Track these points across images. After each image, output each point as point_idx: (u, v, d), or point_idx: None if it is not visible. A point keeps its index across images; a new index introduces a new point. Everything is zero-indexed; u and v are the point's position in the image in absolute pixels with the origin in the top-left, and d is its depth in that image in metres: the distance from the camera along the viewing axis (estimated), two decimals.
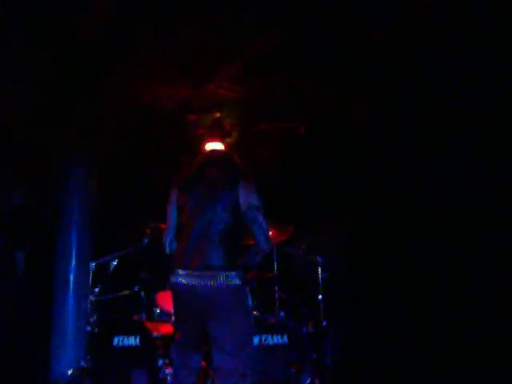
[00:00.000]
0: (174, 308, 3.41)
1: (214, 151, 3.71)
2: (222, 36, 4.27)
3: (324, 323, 4.84)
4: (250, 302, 3.25)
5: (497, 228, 4.91)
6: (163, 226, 3.85)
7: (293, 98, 5.27)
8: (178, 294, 3.28)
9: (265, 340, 4.41)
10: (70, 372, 4.82)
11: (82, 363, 4.82)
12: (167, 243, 3.47)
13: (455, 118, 5.02)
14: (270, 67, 4.75)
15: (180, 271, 3.22)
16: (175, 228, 3.46)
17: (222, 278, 3.12)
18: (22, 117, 5.09)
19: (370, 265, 5.79)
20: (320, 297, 4.90)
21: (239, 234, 3.29)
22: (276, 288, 5.11)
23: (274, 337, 4.45)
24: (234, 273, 3.15)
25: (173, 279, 3.26)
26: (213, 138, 5.02)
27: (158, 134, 5.90)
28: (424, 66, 4.58)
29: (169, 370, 4.44)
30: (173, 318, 4.52)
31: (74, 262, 5.58)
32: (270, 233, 5.19)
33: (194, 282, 3.14)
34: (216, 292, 3.13)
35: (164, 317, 5.01)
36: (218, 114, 5.36)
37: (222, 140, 4.96)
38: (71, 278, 5.57)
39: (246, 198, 3.21)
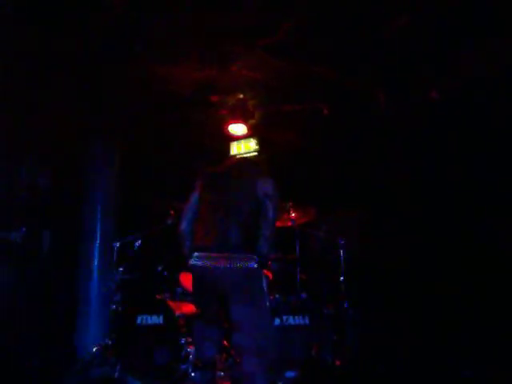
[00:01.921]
0: (193, 288, 3.48)
1: (240, 158, 3.91)
2: (245, 19, 4.25)
3: (345, 305, 4.86)
4: (265, 285, 3.32)
5: None
6: None
7: (315, 82, 5.24)
8: (197, 275, 3.38)
9: (286, 320, 4.44)
10: (94, 349, 4.91)
11: (106, 340, 4.93)
12: (183, 225, 3.59)
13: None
14: (290, 53, 4.72)
15: (198, 254, 3.32)
16: (193, 213, 3.59)
17: (238, 261, 3.21)
18: (47, 100, 5.14)
19: (392, 247, 5.77)
20: (341, 278, 4.92)
21: (257, 221, 3.37)
22: (298, 269, 5.14)
23: (296, 317, 4.48)
24: (250, 256, 3.23)
25: (191, 262, 3.37)
26: (235, 120, 5.03)
27: (180, 116, 5.91)
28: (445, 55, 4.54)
29: (191, 349, 4.50)
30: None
31: (98, 242, 5.67)
32: (292, 213, 5.20)
33: (212, 264, 3.25)
34: (232, 274, 3.22)
35: (187, 296, 5.07)
36: (241, 96, 5.34)
37: (244, 121, 4.96)
38: (96, 257, 5.66)
39: (263, 188, 3.38)
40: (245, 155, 3.91)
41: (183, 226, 3.59)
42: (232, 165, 3.71)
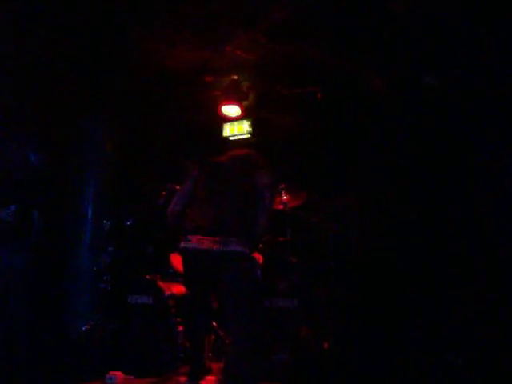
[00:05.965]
0: (183, 270, 3.49)
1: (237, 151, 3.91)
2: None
3: (335, 289, 4.89)
4: (257, 269, 3.34)
5: None
6: (178, 187, 3.92)
7: (310, 64, 5.21)
8: (188, 258, 3.39)
9: (275, 303, 4.45)
10: (83, 328, 4.92)
11: (96, 320, 4.93)
12: (173, 209, 3.62)
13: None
14: (287, 35, 4.69)
15: (191, 237, 3.31)
16: (186, 199, 3.62)
17: (230, 245, 3.22)
18: (40, 78, 5.09)
19: (383, 232, 5.77)
20: (331, 263, 4.94)
21: (252, 209, 3.39)
22: (288, 252, 5.14)
23: (285, 300, 4.49)
24: (242, 241, 3.24)
25: (183, 244, 3.36)
26: (229, 101, 4.99)
27: (173, 96, 5.87)
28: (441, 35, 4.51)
29: (180, 329, 4.52)
30: None
31: (89, 220, 5.65)
32: (284, 196, 5.20)
33: (204, 247, 3.25)
34: (224, 258, 3.23)
35: (177, 277, 5.08)
36: (235, 77, 5.30)
37: (238, 103, 4.93)
38: (86, 236, 5.64)
39: (262, 179, 3.44)
40: (245, 149, 3.92)
41: (178, 207, 3.60)
42: (234, 156, 3.72)
